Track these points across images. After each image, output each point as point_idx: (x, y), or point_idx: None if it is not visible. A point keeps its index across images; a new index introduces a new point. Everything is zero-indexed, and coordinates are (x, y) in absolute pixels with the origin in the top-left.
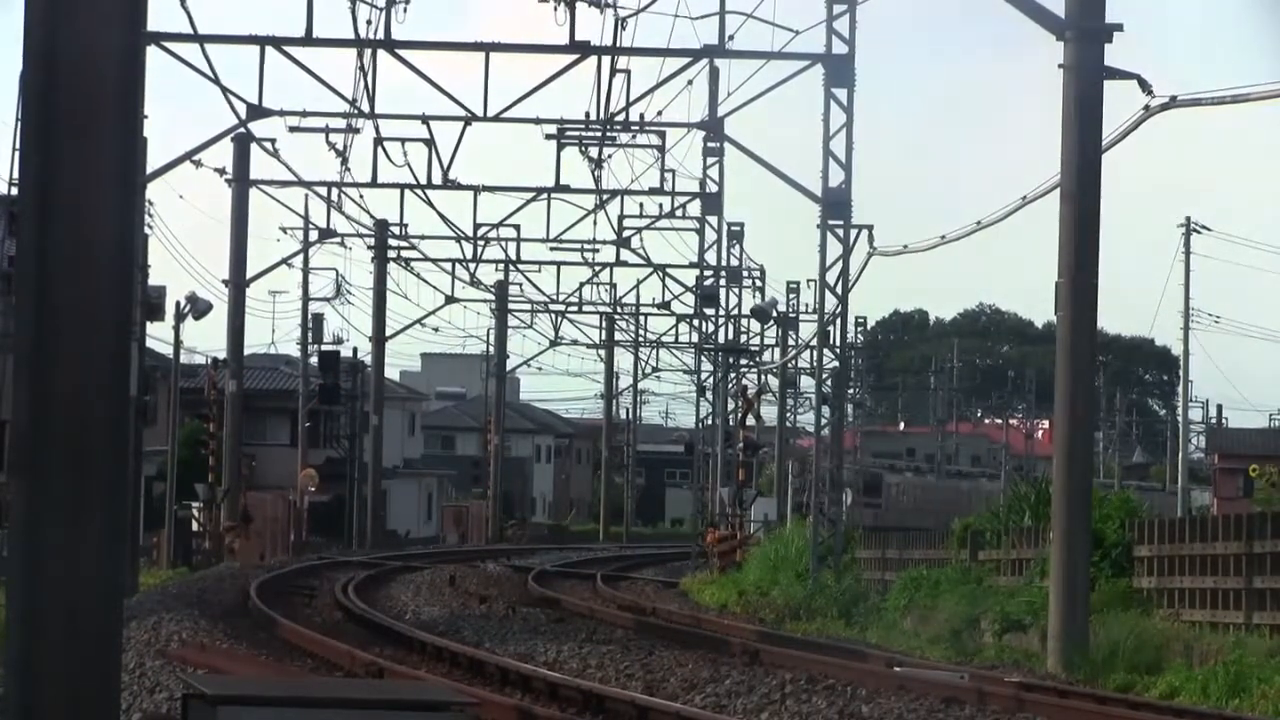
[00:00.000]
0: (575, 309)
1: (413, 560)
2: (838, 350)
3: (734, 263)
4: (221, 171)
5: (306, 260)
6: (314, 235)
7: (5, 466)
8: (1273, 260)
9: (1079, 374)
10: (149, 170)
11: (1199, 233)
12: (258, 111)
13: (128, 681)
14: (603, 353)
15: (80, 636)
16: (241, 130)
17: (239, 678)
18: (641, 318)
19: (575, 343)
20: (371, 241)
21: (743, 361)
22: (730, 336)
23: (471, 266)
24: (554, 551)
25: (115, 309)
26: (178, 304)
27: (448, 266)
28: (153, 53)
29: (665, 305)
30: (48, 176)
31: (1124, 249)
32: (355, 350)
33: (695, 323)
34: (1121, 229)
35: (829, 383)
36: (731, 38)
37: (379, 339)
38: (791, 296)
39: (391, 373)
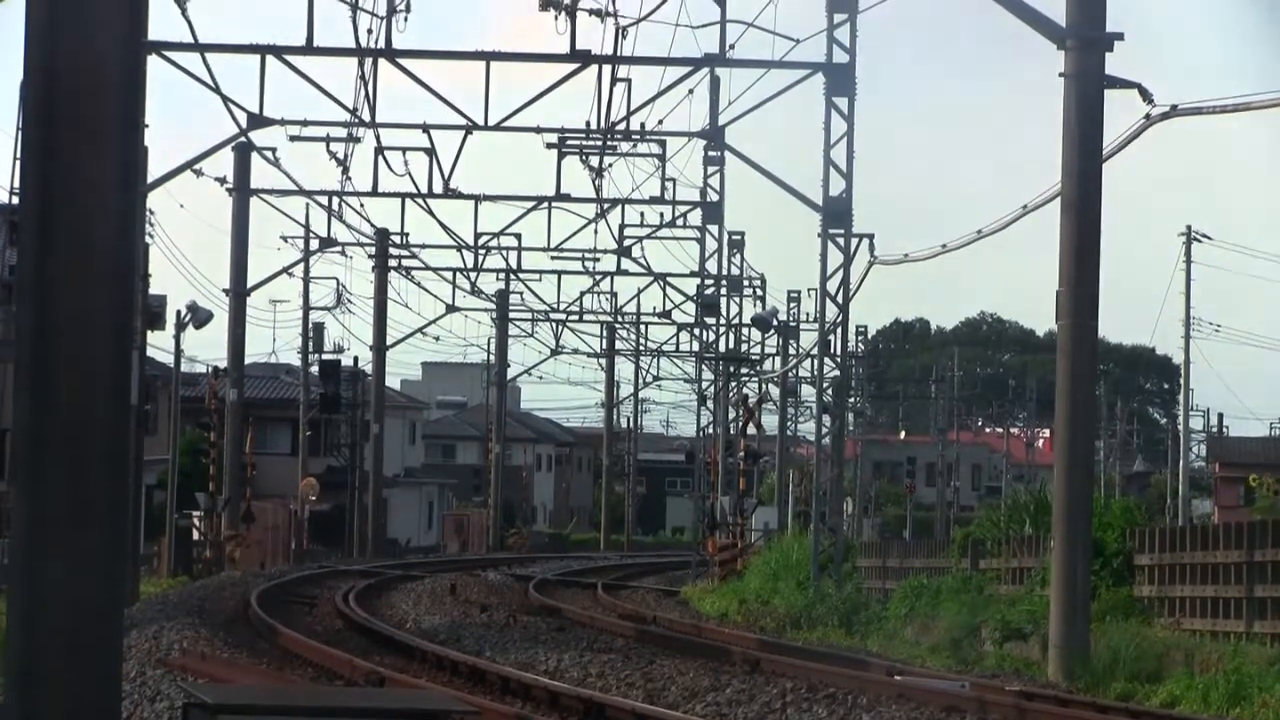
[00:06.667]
0: (576, 318)
1: (413, 569)
2: (838, 359)
3: (735, 272)
4: (222, 181)
5: (307, 269)
6: (315, 244)
7: (6, 474)
8: (1274, 269)
9: (1080, 383)
10: (150, 179)
11: (1200, 241)
12: (258, 120)
13: (128, 690)
14: (603, 361)
15: (81, 645)
16: (242, 139)
17: (239, 687)
18: (642, 326)
19: (576, 351)
20: (372, 250)
21: (743, 370)
22: (731, 345)
23: (472, 275)
24: (555, 560)
25: (116, 318)
26: (178, 313)
27: (448, 275)
28: (154, 62)
29: (666, 314)
30: (49, 186)
31: (1125, 257)
32: (356, 359)
33: (696, 331)
34: (1122, 237)
35: (830, 391)
36: (732, 47)
37: (380, 348)
38: (792, 305)
39: (392, 382)
